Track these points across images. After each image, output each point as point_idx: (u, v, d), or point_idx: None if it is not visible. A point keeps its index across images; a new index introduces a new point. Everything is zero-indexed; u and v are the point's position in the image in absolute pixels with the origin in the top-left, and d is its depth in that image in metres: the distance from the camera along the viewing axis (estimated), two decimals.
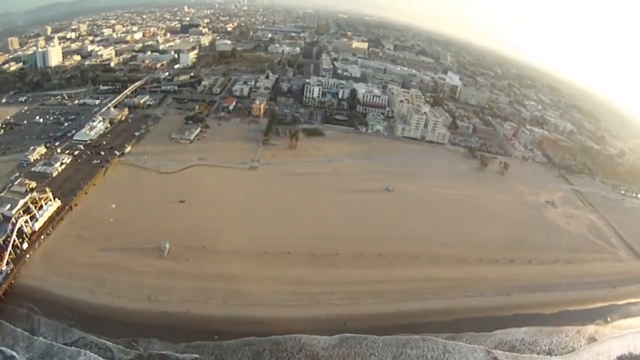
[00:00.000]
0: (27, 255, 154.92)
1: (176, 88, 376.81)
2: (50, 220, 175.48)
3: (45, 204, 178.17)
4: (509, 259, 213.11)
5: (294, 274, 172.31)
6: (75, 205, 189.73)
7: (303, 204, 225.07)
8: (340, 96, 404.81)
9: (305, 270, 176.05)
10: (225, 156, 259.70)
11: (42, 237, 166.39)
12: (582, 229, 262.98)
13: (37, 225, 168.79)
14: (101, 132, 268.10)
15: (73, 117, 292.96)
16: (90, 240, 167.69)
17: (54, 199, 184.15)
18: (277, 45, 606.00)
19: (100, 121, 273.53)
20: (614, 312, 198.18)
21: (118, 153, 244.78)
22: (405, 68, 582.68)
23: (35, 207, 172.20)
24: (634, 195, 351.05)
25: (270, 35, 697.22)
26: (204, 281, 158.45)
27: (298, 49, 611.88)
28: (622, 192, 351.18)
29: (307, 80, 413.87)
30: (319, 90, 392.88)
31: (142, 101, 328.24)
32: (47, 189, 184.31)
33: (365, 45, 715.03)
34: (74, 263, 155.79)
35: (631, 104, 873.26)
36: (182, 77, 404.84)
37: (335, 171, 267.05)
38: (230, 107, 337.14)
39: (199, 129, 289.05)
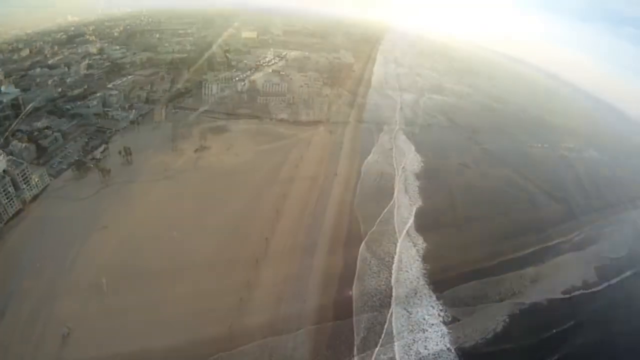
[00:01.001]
0: None
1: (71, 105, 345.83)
2: None
3: None
4: (439, 225, 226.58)
5: (240, 279, 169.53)
6: None
7: (229, 206, 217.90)
8: (239, 89, 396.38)
9: (249, 273, 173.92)
10: (137, 169, 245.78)
11: None
12: (499, 183, 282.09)
13: None
14: None
15: None
16: None
17: None
18: (167, 45, 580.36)
19: None
20: (547, 253, 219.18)
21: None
22: (299, 52, 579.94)
23: None
24: (539, 145, 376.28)
25: (158, 36, 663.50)
26: (153, 310, 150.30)
27: (188, 46, 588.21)
28: (528, 145, 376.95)
29: (204, 77, 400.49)
30: (218, 86, 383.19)
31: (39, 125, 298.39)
32: None
33: (254, 34, 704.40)
34: None
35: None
36: (77, 92, 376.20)
37: (253, 166, 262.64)
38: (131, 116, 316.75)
39: (104, 145, 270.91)
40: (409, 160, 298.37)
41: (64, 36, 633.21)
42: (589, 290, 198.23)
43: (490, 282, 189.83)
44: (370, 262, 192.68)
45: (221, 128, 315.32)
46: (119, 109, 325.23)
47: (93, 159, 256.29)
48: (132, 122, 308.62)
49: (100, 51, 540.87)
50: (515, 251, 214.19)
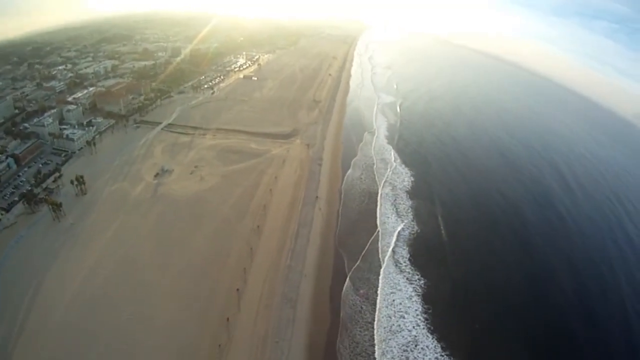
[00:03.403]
0: None
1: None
2: None
3: None
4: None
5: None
6: None
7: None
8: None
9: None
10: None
11: None
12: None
13: None
14: None
15: None
16: None
17: None
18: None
19: None
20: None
21: None
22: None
23: None
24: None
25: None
26: None
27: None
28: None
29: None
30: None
31: None
32: None
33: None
34: None
35: None
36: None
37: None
38: None
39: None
40: (392, 174, 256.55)
41: (30, 48, 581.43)
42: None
43: (506, 319, 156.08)
44: (360, 308, 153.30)
45: (185, 145, 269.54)
46: (76, 126, 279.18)
47: (46, 188, 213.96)
48: (88, 143, 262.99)
49: (65, 61, 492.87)
50: (526, 277, 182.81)
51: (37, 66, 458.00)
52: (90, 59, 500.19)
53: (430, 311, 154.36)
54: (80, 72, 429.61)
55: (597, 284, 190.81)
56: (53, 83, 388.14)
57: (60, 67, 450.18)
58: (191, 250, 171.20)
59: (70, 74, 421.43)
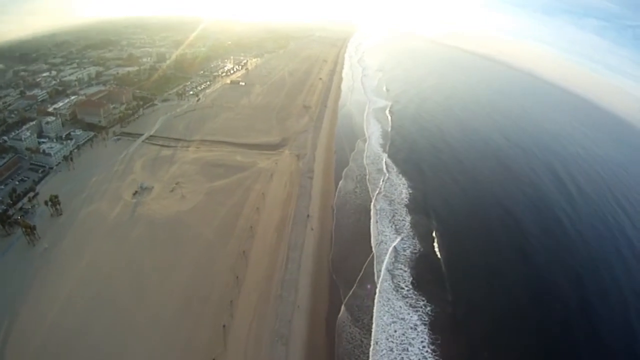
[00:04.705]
0: None
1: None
2: None
3: None
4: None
5: None
6: None
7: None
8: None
9: None
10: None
11: None
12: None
13: None
14: None
15: None
16: None
17: None
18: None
19: None
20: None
21: None
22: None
23: None
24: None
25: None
26: None
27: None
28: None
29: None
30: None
31: None
32: None
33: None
34: None
35: None
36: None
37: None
38: None
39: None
40: (385, 185, 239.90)
41: (17, 54, 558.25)
42: None
43: (517, 346, 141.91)
44: (360, 341, 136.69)
45: (167, 159, 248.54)
46: (55, 140, 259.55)
47: (21, 208, 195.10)
48: (65, 158, 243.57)
49: (51, 67, 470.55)
50: (534, 295, 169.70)
51: (22, 73, 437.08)
52: (75, 65, 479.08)
53: (438, 342, 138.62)
54: (64, 79, 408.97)
55: (605, 298, 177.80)
56: (36, 91, 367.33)
57: (44, 74, 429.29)
58: (171, 281, 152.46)
59: (53, 82, 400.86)
